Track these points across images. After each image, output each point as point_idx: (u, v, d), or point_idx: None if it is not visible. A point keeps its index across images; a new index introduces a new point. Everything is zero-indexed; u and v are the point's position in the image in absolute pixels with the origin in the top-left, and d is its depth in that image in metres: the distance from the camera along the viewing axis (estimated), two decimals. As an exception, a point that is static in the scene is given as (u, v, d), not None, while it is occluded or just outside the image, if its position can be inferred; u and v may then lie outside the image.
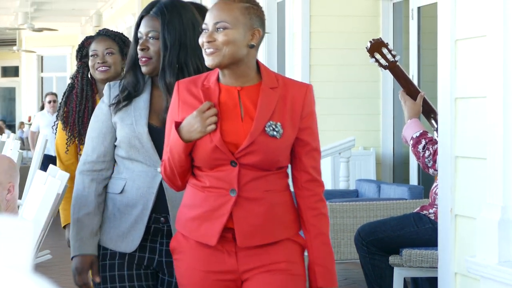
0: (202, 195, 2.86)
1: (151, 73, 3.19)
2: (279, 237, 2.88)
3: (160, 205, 3.15)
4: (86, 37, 4.50)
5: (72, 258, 3.18)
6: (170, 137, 2.85)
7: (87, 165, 3.23)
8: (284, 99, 2.85)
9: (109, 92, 3.22)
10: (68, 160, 4.37)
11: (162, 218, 3.17)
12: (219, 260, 2.87)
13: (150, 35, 3.16)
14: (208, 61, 2.83)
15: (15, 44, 23.39)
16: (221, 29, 2.81)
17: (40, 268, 7.20)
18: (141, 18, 3.20)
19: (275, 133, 2.81)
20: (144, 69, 3.17)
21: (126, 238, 3.16)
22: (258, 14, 2.87)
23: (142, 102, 3.19)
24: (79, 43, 4.47)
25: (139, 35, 3.19)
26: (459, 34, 3.46)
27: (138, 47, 3.17)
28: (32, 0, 17.65)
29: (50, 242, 7.78)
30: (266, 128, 2.81)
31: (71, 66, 23.56)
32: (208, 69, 3.10)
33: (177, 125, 2.84)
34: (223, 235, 2.83)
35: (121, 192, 3.19)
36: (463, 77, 3.46)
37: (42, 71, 24.44)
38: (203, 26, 2.87)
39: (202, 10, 3.33)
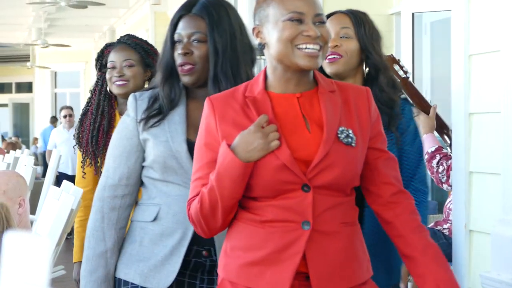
0: (261, 232, 2.25)
1: (194, 84, 2.70)
2: (357, 280, 2.30)
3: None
4: (106, 44, 3.88)
5: None
6: (218, 160, 2.25)
7: (107, 190, 2.73)
8: (347, 104, 2.36)
9: (135, 105, 2.72)
10: (86, 187, 3.80)
11: (204, 251, 2.69)
12: None
13: (194, 37, 2.66)
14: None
15: (29, 60, 23.48)
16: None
17: (54, 283, 7.20)
18: (179, 18, 2.70)
19: (349, 139, 2.28)
20: (187, 79, 2.68)
21: (160, 272, 2.65)
22: None
23: (177, 116, 2.68)
24: (99, 51, 3.86)
25: (177, 37, 2.68)
26: (473, 49, 3.45)
27: (179, 52, 2.67)
28: (46, 16, 17.72)
29: (63, 257, 7.79)
30: (338, 135, 2.27)
31: (85, 82, 23.65)
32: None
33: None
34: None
35: (154, 219, 2.68)
36: (477, 92, 3.45)
37: (55, 87, 24.51)
38: (313, 20, 2.29)
39: None
